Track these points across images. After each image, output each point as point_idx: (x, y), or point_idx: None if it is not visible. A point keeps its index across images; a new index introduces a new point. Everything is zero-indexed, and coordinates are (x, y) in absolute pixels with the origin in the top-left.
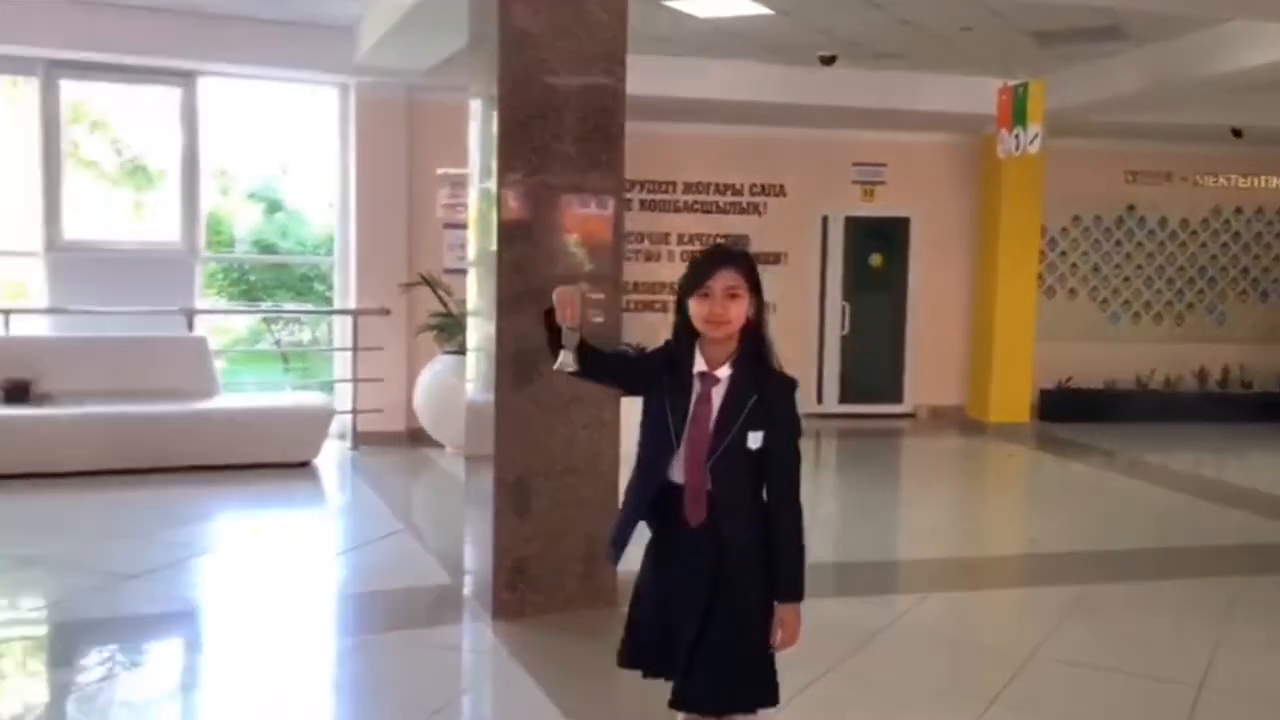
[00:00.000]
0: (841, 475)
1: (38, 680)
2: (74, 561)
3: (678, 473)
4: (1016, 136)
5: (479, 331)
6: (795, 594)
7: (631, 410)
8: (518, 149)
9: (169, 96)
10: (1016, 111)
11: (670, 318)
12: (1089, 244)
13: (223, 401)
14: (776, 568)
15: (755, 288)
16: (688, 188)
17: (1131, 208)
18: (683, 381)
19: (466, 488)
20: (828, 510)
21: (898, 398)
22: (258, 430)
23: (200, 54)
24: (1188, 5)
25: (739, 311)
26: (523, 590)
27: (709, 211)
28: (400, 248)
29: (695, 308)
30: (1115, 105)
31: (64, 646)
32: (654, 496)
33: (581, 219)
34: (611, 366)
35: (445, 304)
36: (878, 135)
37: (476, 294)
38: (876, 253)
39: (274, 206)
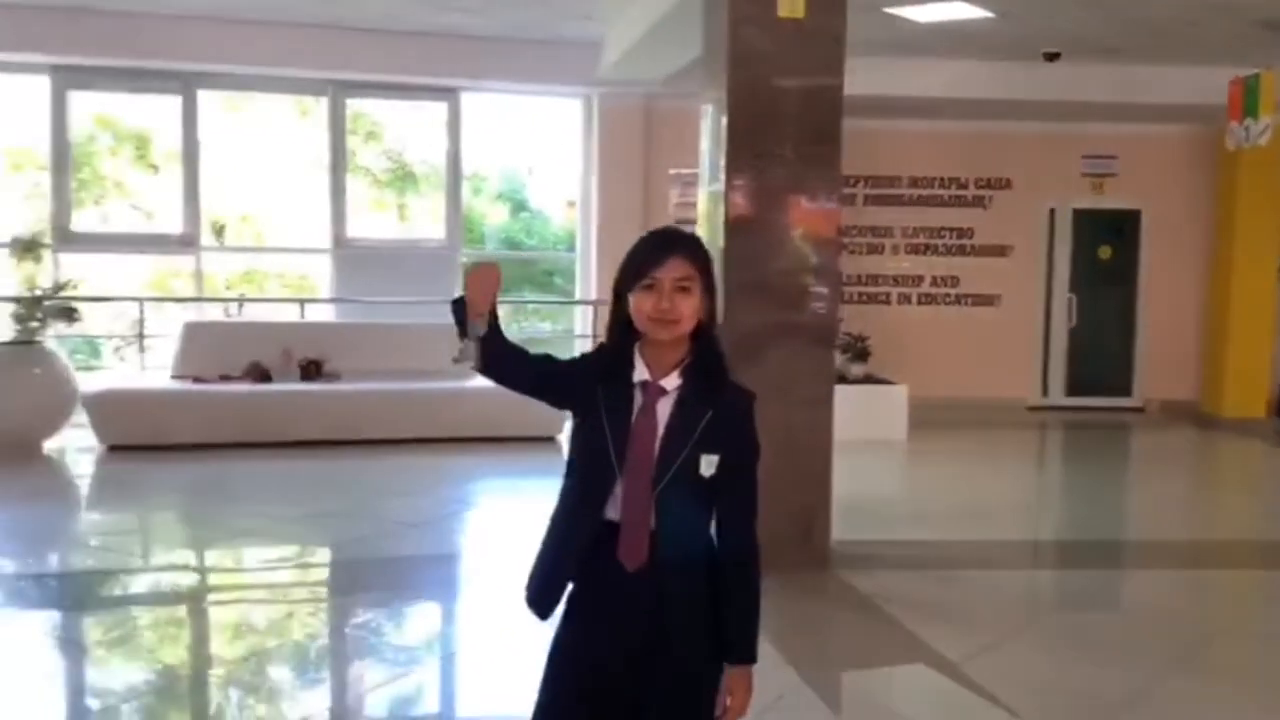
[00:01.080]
0: (1072, 465)
1: (334, 606)
2: (363, 513)
3: (613, 508)
4: (1246, 128)
5: None
6: (749, 655)
7: None
8: (743, 152)
9: (435, 110)
10: (1247, 103)
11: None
12: None
13: (481, 382)
14: (727, 623)
15: (709, 282)
16: (913, 182)
17: None
18: (622, 394)
19: None
20: (1056, 495)
21: (1126, 391)
22: (510, 407)
23: (463, 72)
24: None
25: (691, 309)
26: None
27: (933, 205)
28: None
29: (638, 303)
30: None
31: (354, 579)
32: (587, 537)
33: (802, 215)
34: (527, 368)
35: None
36: (1108, 127)
37: None
38: (1106, 245)
39: (519, 206)
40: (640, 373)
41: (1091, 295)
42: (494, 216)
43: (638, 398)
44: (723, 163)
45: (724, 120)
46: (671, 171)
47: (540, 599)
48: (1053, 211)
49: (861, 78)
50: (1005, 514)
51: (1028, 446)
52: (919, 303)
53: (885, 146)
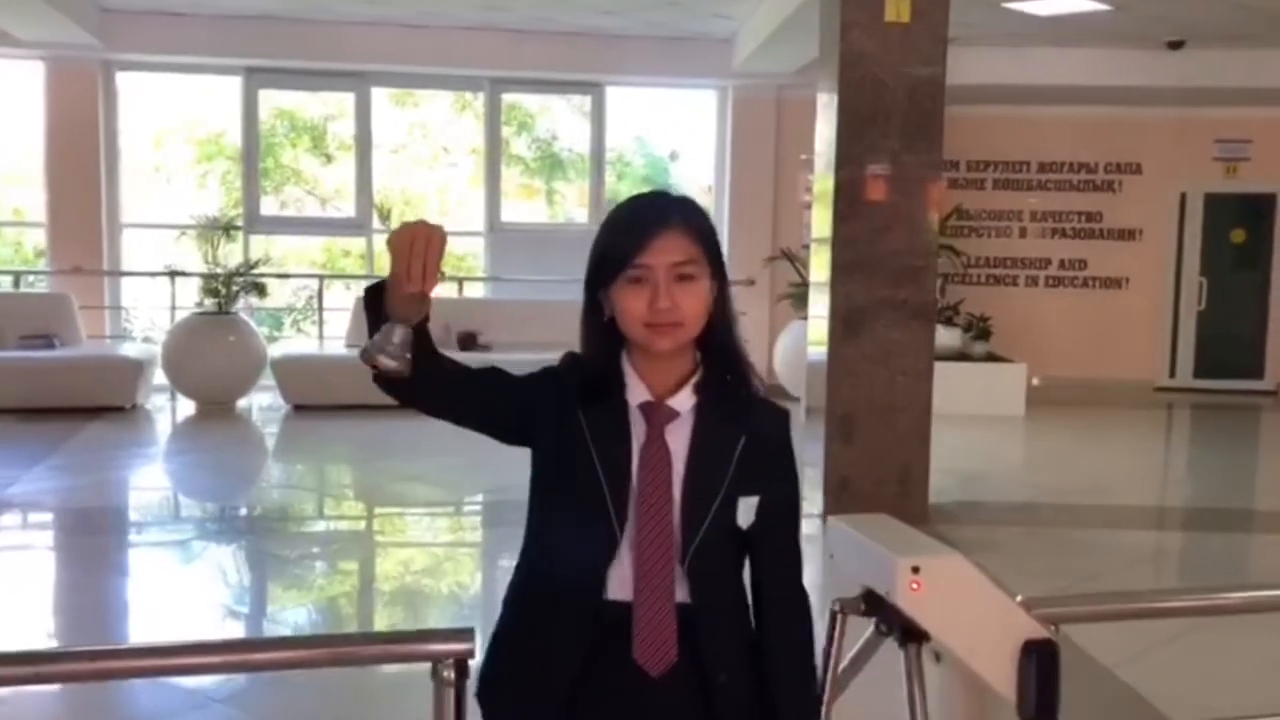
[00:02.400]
0: (1194, 442)
1: (486, 535)
2: (511, 465)
3: (620, 584)
4: None
5: (818, 297)
6: None
7: None
8: (852, 142)
9: (581, 102)
10: None
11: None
12: None
13: None
14: (780, 708)
15: (717, 261)
16: (1042, 167)
17: None
18: (614, 421)
19: (806, 426)
20: (1168, 466)
21: (1258, 374)
22: None
23: (607, 68)
24: None
25: (696, 304)
26: (846, 502)
27: (1062, 190)
28: (766, 226)
29: (623, 301)
30: None
31: (501, 515)
32: (581, 633)
33: (904, 200)
34: (469, 384)
35: (802, 276)
36: (1241, 112)
37: (816, 266)
38: (1238, 228)
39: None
40: (638, 391)
41: (1222, 278)
42: None
43: (637, 425)
44: (834, 154)
45: (835, 113)
46: (802, 157)
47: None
48: (1184, 195)
49: (986, 67)
50: (1115, 482)
51: (1149, 424)
52: (1046, 285)
53: (1014, 132)
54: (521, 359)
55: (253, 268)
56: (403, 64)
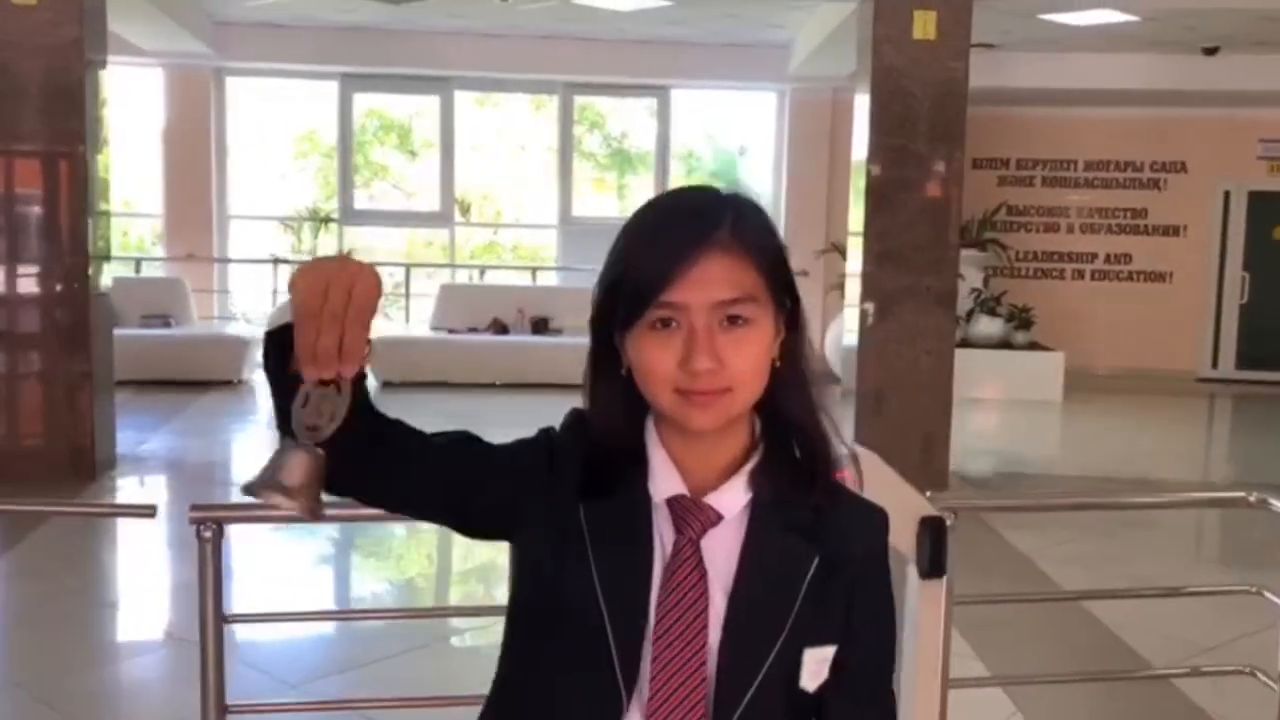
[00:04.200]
0: (1231, 427)
1: None
2: None
3: None
4: None
5: (853, 286)
6: None
7: None
8: (881, 144)
9: (648, 105)
10: None
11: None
12: None
13: None
14: None
15: (785, 294)
16: (1089, 165)
17: None
18: (627, 525)
19: (840, 403)
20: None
21: None
22: None
23: (672, 73)
24: None
25: (751, 361)
26: None
27: (1109, 187)
28: (820, 220)
29: (645, 355)
30: None
31: None
32: None
33: (929, 196)
34: (423, 461)
35: None
36: None
37: (852, 257)
38: None
39: (731, 185)
40: (667, 480)
41: (1265, 273)
42: None
43: (661, 533)
44: (865, 154)
45: (869, 119)
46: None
47: None
48: (1227, 194)
49: (1032, 71)
50: (1139, 457)
51: (1188, 410)
52: (1092, 279)
53: (1061, 132)
54: (587, 343)
55: (349, 254)
56: (483, 70)
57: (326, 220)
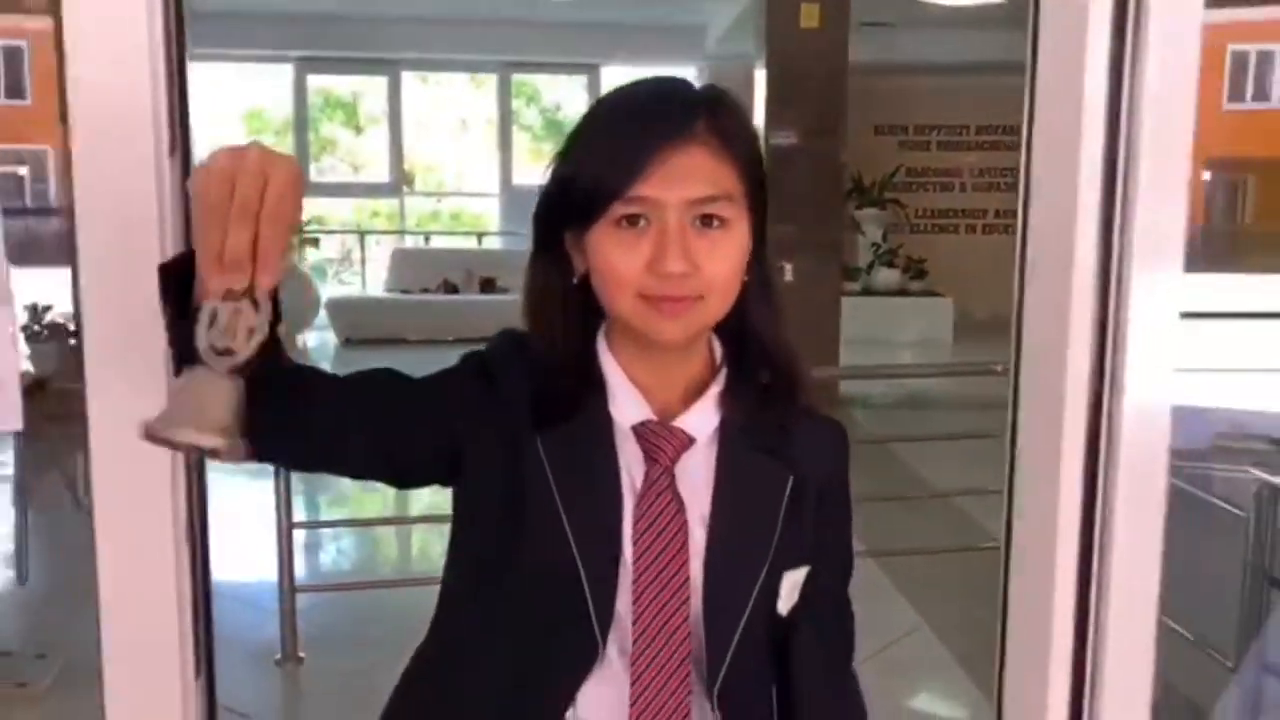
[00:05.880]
0: None
1: None
2: None
3: (592, 705)
4: None
5: None
6: None
7: None
8: (776, 118)
9: (580, 81)
10: None
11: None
12: None
13: None
14: None
15: (758, 196)
16: (979, 130)
17: None
18: (590, 453)
19: None
20: None
21: None
22: None
23: (601, 53)
24: None
25: (727, 266)
26: None
27: (997, 149)
28: None
29: (608, 255)
30: None
31: None
32: None
33: (814, 163)
34: (340, 405)
35: None
36: None
37: None
38: None
39: None
40: (630, 403)
41: None
42: None
43: (630, 460)
44: (764, 126)
45: (764, 95)
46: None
47: None
48: None
49: (921, 45)
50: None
51: None
52: (983, 233)
53: (956, 100)
54: None
55: (306, 225)
56: (428, 52)
57: None
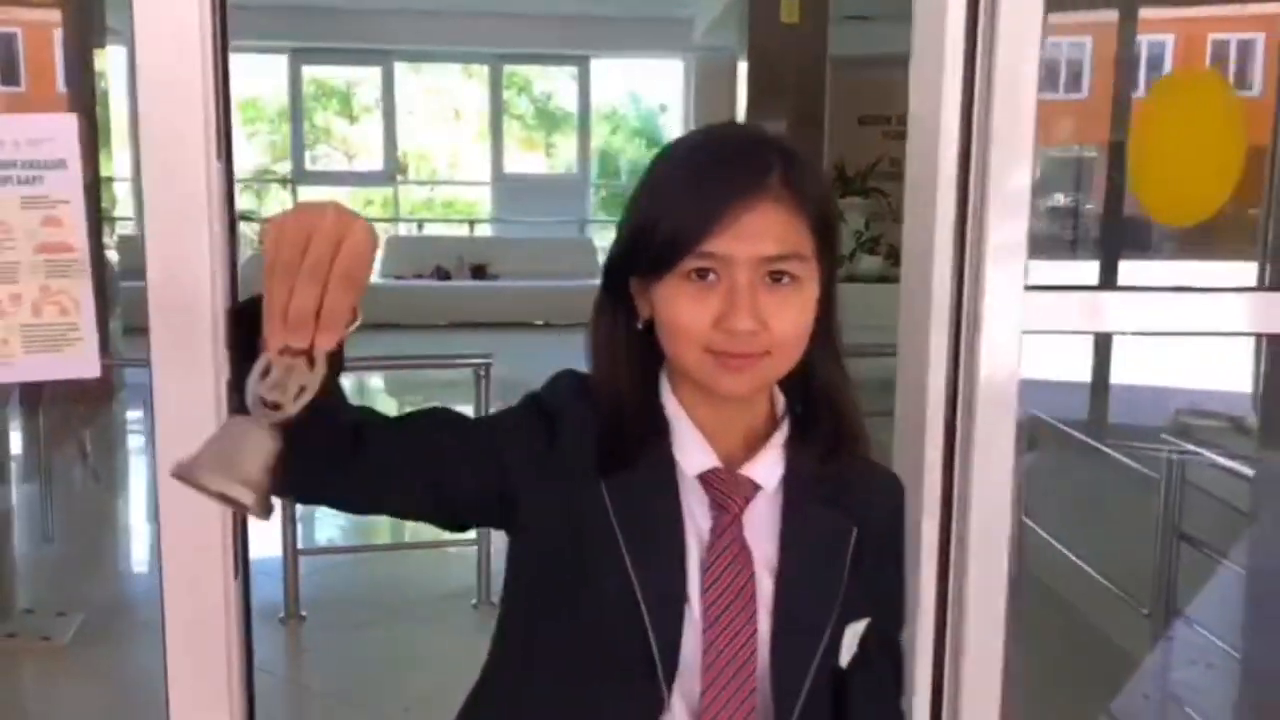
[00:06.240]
0: None
1: None
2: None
3: None
4: None
5: None
6: None
7: None
8: (757, 109)
9: (570, 72)
10: None
11: None
12: None
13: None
14: None
15: (830, 255)
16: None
17: None
18: (655, 501)
19: None
20: None
21: None
22: None
23: (590, 44)
24: None
25: (795, 325)
26: None
27: None
28: None
29: (676, 308)
30: None
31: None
32: None
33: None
34: (402, 450)
35: None
36: None
37: None
38: None
39: (653, 142)
40: (695, 452)
41: None
42: (630, 152)
43: (691, 506)
44: (745, 115)
45: (747, 85)
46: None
47: None
48: None
49: (902, 38)
50: None
51: None
52: None
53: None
54: (526, 285)
55: None
56: (420, 43)
57: (284, 181)
